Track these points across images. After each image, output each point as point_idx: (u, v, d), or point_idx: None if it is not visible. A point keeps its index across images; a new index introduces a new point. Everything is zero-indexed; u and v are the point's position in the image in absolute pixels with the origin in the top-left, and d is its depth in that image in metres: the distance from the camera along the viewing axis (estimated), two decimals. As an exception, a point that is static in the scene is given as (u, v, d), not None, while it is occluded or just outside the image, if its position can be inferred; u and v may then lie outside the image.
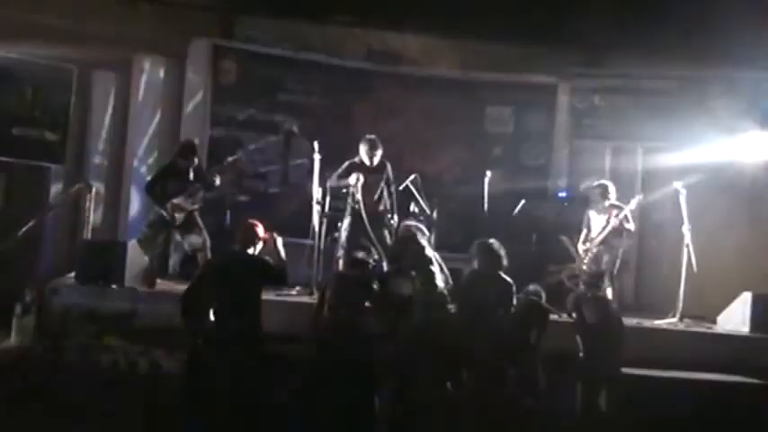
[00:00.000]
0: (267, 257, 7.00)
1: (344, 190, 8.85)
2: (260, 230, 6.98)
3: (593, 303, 7.36)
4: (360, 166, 8.85)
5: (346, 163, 8.91)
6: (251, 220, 7.10)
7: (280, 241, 7.04)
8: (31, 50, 10.21)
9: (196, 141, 9.47)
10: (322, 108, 11.56)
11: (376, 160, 8.91)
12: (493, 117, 11.86)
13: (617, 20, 10.25)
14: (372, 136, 8.99)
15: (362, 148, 8.90)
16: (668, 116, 10.95)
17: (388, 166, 9.05)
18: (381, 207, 8.93)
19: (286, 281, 7.23)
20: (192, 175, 8.70)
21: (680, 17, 9.98)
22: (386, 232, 8.86)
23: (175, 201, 8.56)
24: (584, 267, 8.98)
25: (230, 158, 9.18)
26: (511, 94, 11.86)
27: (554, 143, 11.82)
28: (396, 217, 8.99)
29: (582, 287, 7.77)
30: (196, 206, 8.71)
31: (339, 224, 9.01)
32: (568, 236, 9.44)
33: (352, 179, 8.72)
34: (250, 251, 6.92)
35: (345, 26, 11.47)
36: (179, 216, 8.58)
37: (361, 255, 7.70)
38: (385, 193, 8.99)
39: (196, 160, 8.84)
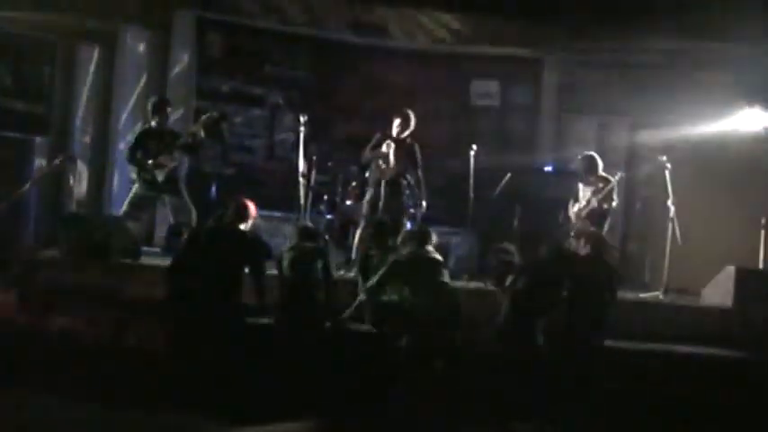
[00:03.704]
0: None
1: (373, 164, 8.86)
2: (253, 210, 7.04)
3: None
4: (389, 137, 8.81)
5: (378, 134, 8.88)
6: (246, 199, 7.12)
7: None
8: (14, 21, 10.11)
9: (180, 111, 9.37)
10: (307, 81, 11.55)
11: (405, 134, 8.85)
12: (479, 91, 11.85)
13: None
14: (408, 110, 8.93)
15: (395, 121, 8.84)
16: (655, 90, 10.93)
17: (416, 145, 8.94)
18: (401, 179, 8.85)
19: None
20: (169, 134, 8.67)
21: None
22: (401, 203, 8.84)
23: (156, 159, 8.49)
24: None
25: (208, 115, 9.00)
26: (497, 67, 11.87)
27: (540, 117, 11.83)
28: (424, 203, 8.92)
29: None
30: (176, 163, 8.64)
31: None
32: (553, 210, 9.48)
33: (384, 148, 8.71)
34: (242, 227, 6.94)
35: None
36: (160, 174, 8.49)
37: (310, 225, 7.71)
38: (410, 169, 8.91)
39: (169, 111, 8.83)
